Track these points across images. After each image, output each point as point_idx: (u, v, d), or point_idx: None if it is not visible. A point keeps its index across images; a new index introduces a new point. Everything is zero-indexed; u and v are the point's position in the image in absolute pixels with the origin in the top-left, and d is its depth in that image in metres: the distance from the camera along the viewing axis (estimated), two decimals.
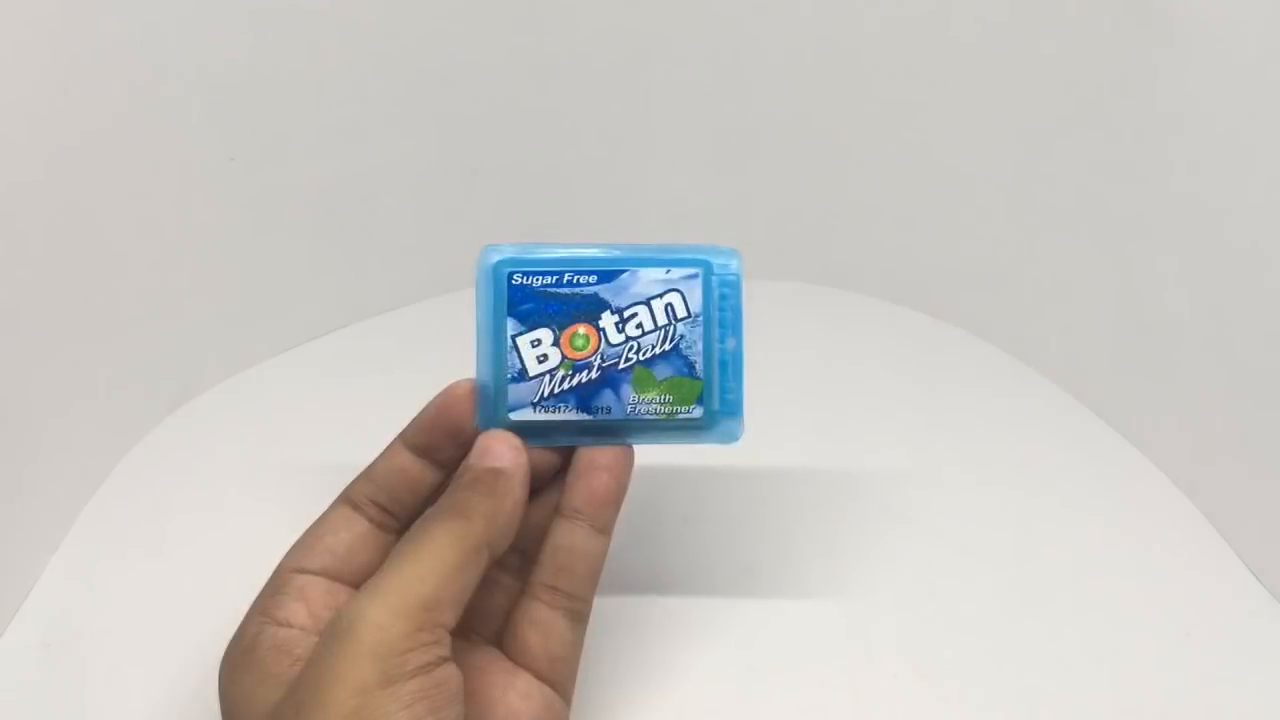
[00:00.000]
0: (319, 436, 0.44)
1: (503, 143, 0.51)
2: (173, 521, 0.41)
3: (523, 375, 0.29)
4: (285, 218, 0.48)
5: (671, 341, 0.29)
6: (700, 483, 0.43)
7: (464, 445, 0.29)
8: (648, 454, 0.30)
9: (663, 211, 0.54)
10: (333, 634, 0.24)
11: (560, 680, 0.29)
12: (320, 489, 0.30)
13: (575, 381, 0.29)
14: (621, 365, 0.29)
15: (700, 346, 0.29)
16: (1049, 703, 0.35)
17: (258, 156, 0.46)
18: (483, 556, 0.27)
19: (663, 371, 0.29)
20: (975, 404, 0.48)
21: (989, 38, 0.47)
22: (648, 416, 0.29)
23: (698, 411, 0.29)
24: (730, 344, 0.30)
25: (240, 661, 0.27)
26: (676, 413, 0.29)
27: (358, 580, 0.28)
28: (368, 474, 0.30)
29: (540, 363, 0.29)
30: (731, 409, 0.30)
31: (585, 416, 0.29)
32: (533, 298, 0.29)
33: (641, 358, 0.29)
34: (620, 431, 0.30)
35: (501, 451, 0.28)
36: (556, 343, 0.29)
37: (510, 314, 0.29)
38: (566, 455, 0.30)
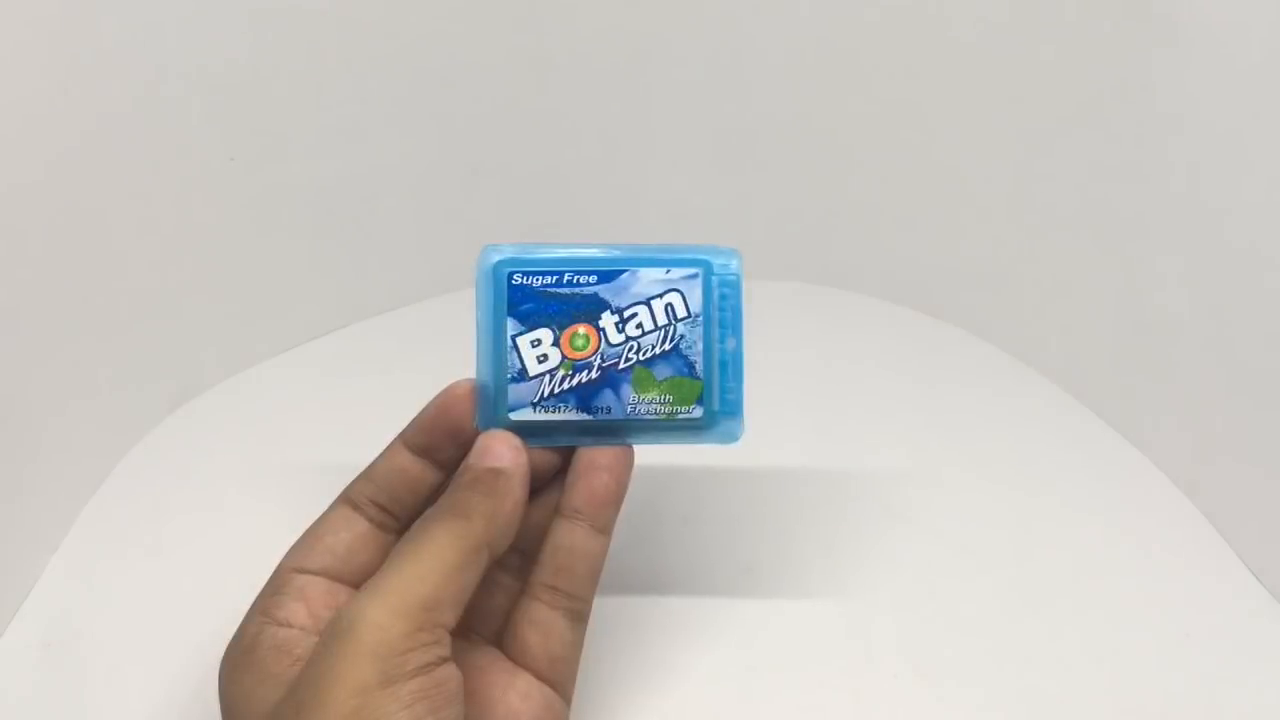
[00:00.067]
0: (319, 436, 0.44)
1: (503, 143, 0.51)
2: (173, 521, 0.41)
3: (523, 375, 0.29)
4: (285, 218, 0.48)
5: (671, 341, 0.29)
6: (700, 483, 0.43)
7: (464, 445, 0.29)
8: (648, 454, 0.30)
9: (663, 211, 0.54)
10: (333, 634, 0.24)
11: (560, 680, 0.29)
12: (320, 489, 0.30)
13: (575, 381, 0.29)
14: (621, 365, 0.29)
15: (700, 346, 0.29)
16: (1049, 703, 0.35)
17: (258, 156, 0.46)
18: (483, 556, 0.27)
19: (663, 371, 0.29)
20: (975, 404, 0.48)
21: (989, 38, 0.47)
22: (648, 416, 0.29)
23: (698, 411, 0.29)
24: (730, 344, 0.30)
25: (240, 661, 0.27)
26: (676, 413, 0.29)
27: (358, 580, 0.28)
28: (368, 474, 0.30)
29: (540, 363, 0.29)
30: (731, 409, 0.30)
31: (585, 416, 0.29)
32: (533, 298, 0.29)
33: (642, 358, 0.29)
34: (620, 431, 0.30)
35: (501, 451, 0.28)
36: (556, 343, 0.29)
37: (510, 314, 0.29)
38: (566, 455, 0.30)
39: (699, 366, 0.29)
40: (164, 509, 0.42)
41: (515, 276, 0.29)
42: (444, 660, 0.25)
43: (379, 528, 0.29)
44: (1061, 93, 0.46)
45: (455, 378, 0.30)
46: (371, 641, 0.24)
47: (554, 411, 0.29)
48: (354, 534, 0.29)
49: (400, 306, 0.53)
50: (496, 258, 0.29)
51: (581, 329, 0.29)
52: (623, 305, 0.29)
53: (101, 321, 0.43)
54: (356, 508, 0.29)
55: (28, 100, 0.38)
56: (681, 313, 0.29)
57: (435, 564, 0.26)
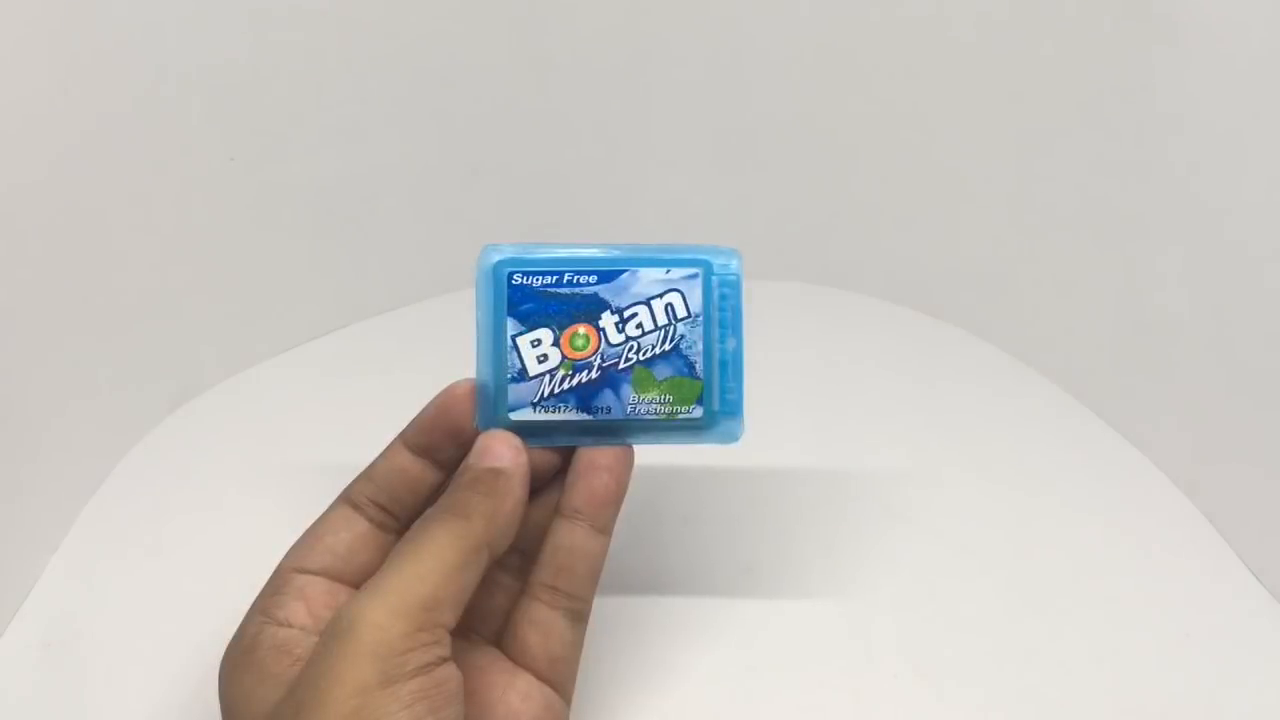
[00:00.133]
0: (319, 436, 0.44)
1: (503, 143, 0.51)
2: (173, 521, 0.41)
3: (523, 375, 0.29)
4: (285, 218, 0.48)
5: (672, 341, 0.29)
6: (700, 483, 0.43)
7: (464, 445, 0.29)
8: (648, 454, 0.30)
9: (663, 211, 0.54)
10: (333, 634, 0.24)
11: (560, 680, 0.29)
12: (320, 489, 0.30)
13: (575, 381, 0.29)
14: (622, 365, 0.29)
15: (700, 346, 0.29)
16: (1049, 703, 0.35)
17: (258, 156, 0.46)
18: (483, 556, 0.27)
19: (663, 371, 0.29)
20: (975, 404, 0.48)
21: (989, 38, 0.47)
22: (648, 416, 0.29)
23: (698, 411, 0.29)
24: (730, 344, 0.30)
25: (240, 661, 0.27)
26: (677, 413, 0.29)
27: (358, 580, 0.28)
28: (368, 474, 0.30)
29: (540, 363, 0.29)
30: (731, 409, 0.30)
31: (585, 416, 0.29)
32: (533, 298, 0.29)
33: (642, 358, 0.29)
34: (620, 431, 0.30)
35: (501, 451, 0.28)
36: (556, 343, 0.29)
37: (510, 314, 0.29)
38: (566, 455, 0.30)
39: (699, 366, 0.29)
40: (164, 509, 0.42)
41: (515, 276, 0.29)
42: (444, 660, 0.25)
43: (379, 528, 0.29)
44: (1061, 92, 0.46)
45: (455, 378, 0.30)
46: (371, 641, 0.24)
47: (554, 411, 0.29)
48: (354, 534, 0.29)
49: (400, 306, 0.53)
50: (496, 258, 0.29)
51: (581, 329, 0.29)
52: (623, 305, 0.29)
53: (101, 321, 0.43)
54: (356, 508, 0.29)
55: (28, 100, 0.38)
56: (681, 313, 0.29)
57: (435, 564, 0.26)
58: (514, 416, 0.29)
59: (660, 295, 0.29)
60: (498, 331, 0.29)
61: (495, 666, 0.29)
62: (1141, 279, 0.45)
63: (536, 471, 0.29)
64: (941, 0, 0.47)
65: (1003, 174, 0.49)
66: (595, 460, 0.29)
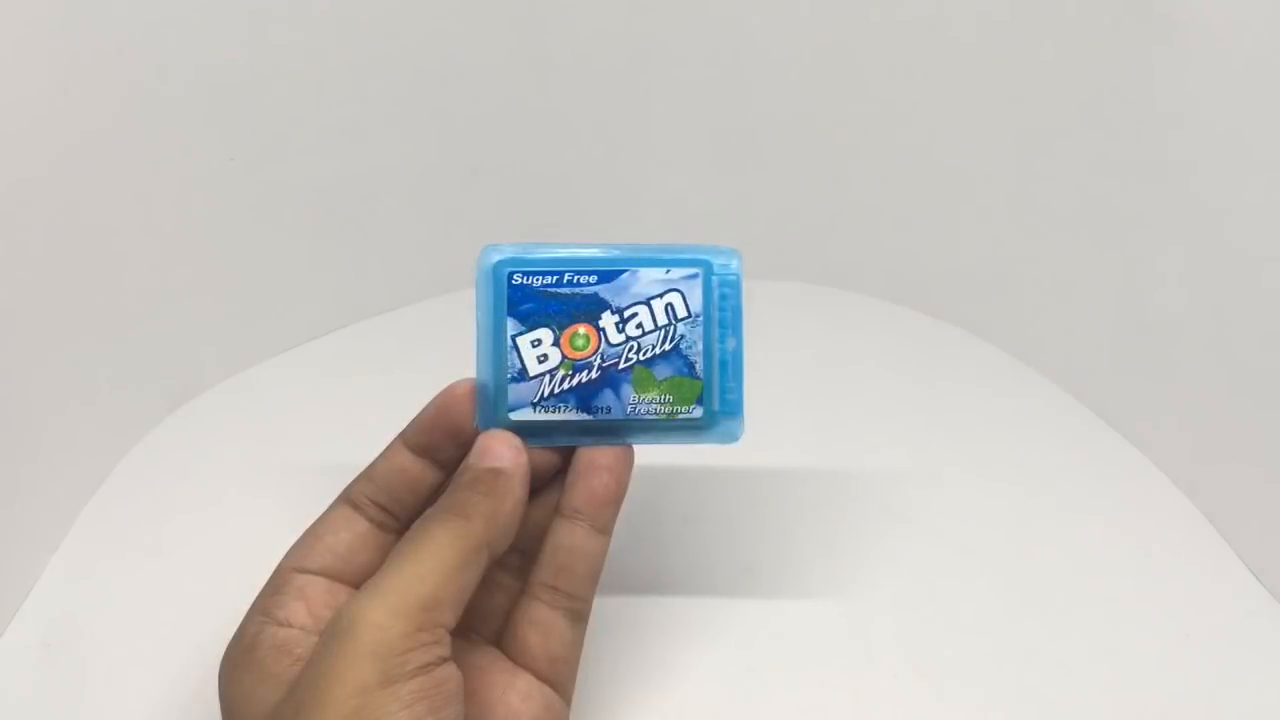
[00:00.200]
0: (319, 436, 0.44)
1: (503, 143, 0.51)
2: (173, 521, 0.41)
3: (523, 375, 0.29)
4: (285, 218, 0.48)
5: (672, 341, 0.29)
6: (700, 483, 0.43)
7: (464, 445, 0.29)
8: (648, 454, 0.30)
9: (663, 211, 0.54)
10: (332, 634, 0.24)
11: (560, 680, 0.29)
12: (320, 489, 0.30)
13: (575, 381, 0.29)
14: (622, 365, 0.29)
15: (700, 346, 0.29)
16: (1049, 703, 0.35)
17: (258, 156, 0.46)
18: (483, 556, 0.27)
19: (663, 371, 0.29)
20: (975, 404, 0.48)
21: (989, 38, 0.47)
22: (648, 416, 0.29)
23: (698, 411, 0.29)
24: (730, 344, 0.30)
25: (240, 661, 0.27)
26: (677, 413, 0.29)
27: (358, 580, 0.28)
28: (368, 474, 0.30)
29: (540, 363, 0.29)
30: (731, 409, 0.30)
31: (585, 416, 0.29)
32: (533, 298, 0.29)
33: (642, 358, 0.29)
34: (620, 431, 0.30)
35: (501, 451, 0.28)
36: (557, 343, 0.29)
37: (510, 314, 0.29)
38: (566, 455, 0.30)
39: (699, 366, 0.29)
40: (164, 509, 0.42)
41: (515, 276, 0.29)
42: (444, 660, 0.25)
43: (379, 528, 0.29)
44: (1061, 92, 0.46)
45: (455, 378, 0.30)
46: (371, 641, 0.24)
47: (554, 411, 0.29)
48: (354, 534, 0.29)
49: (400, 306, 0.53)
50: (496, 258, 0.29)
51: (581, 329, 0.29)
52: (623, 305, 0.29)
53: (101, 321, 0.43)
54: (357, 507, 0.29)
55: (28, 100, 0.38)
56: (681, 313, 0.29)
57: (435, 564, 0.26)
58: (514, 416, 0.29)
59: (660, 295, 0.29)
60: (498, 331, 0.29)
61: (495, 666, 0.29)
62: (1141, 279, 0.45)
63: (536, 471, 0.29)
64: (941, 0, 0.47)
65: (1003, 174, 0.49)
66: (595, 460, 0.29)
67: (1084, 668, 0.36)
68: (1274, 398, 0.39)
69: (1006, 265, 0.51)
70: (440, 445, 0.29)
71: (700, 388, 0.29)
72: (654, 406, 0.29)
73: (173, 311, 0.46)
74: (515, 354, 0.29)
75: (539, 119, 0.51)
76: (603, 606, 0.31)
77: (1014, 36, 0.46)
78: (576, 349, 0.29)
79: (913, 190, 0.52)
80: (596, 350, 0.29)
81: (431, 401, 0.30)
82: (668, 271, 0.29)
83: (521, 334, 0.29)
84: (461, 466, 0.28)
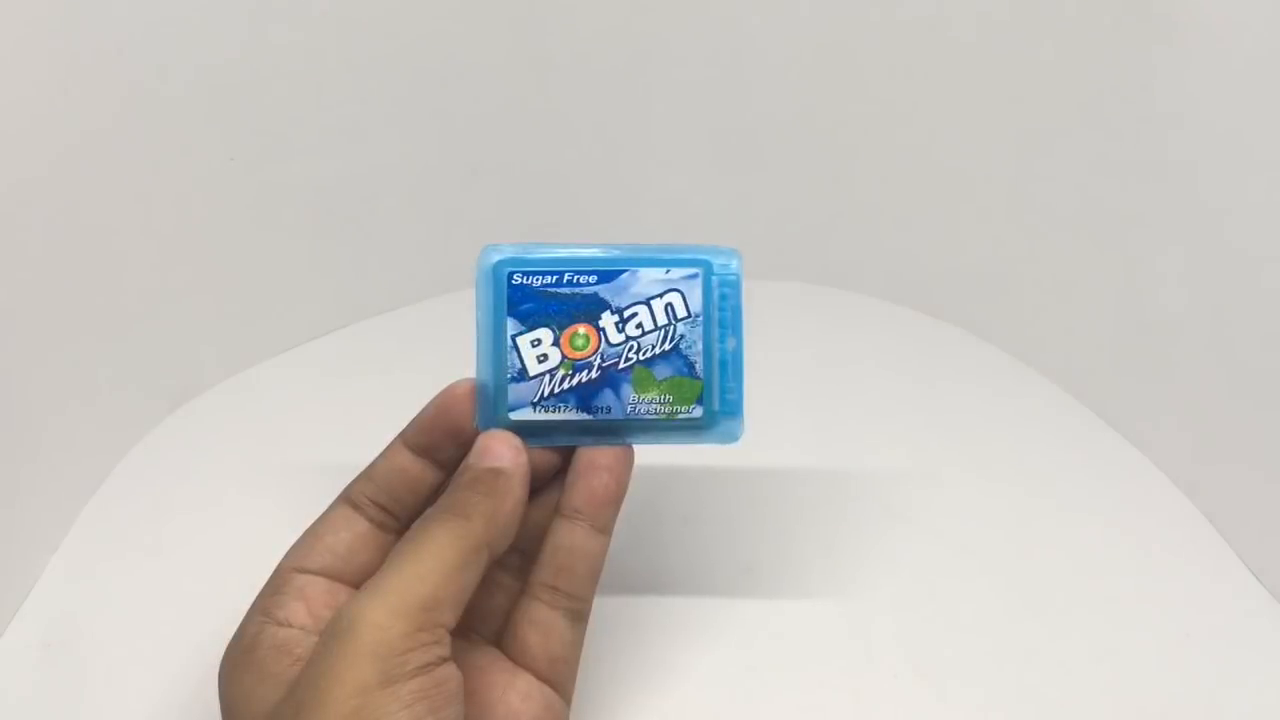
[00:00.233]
0: (319, 436, 0.44)
1: (503, 143, 0.51)
2: (173, 521, 0.41)
3: (523, 375, 0.29)
4: (285, 218, 0.48)
5: (671, 341, 0.29)
6: (700, 483, 0.43)
7: (464, 445, 0.29)
8: (648, 454, 0.30)
9: (663, 211, 0.54)
10: (332, 634, 0.24)
11: (560, 680, 0.29)
12: (320, 489, 0.30)
13: (575, 381, 0.29)
14: (621, 365, 0.29)
15: (700, 346, 0.29)
16: (1049, 703, 0.35)
17: (258, 156, 0.46)
18: (483, 556, 0.27)
19: (663, 371, 0.29)
20: (975, 404, 0.48)
21: (989, 38, 0.47)
22: (648, 416, 0.29)
23: (698, 411, 0.29)
24: (730, 344, 0.30)
25: (240, 661, 0.27)
26: (676, 413, 0.29)
27: (358, 580, 0.28)
28: (368, 474, 0.30)
29: (540, 362, 0.29)
30: (731, 409, 0.30)
31: (585, 416, 0.29)
32: (533, 297, 0.29)
33: (641, 357, 0.29)
34: (620, 431, 0.30)
35: (501, 451, 0.28)
36: (556, 342, 0.29)
37: (510, 314, 0.29)
38: (566, 455, 0.30)
39: (699, 366, 0.29)
40: (164, 509, 0.42)
41: (515, 276, 0.29)
42: (444, 660, 0.25)
43: (379, 527, 0.29)
44: (1061, 92, 0.46)
45: (455, 378, 0.30)
46: (371, 641, 0.24)
47: (554, 411, 0.29)
48: (354, 534, 0.29)
49: (400, 306, 0.53)
50: (496, 258, 0.29)
51: (581, 329, 0.29)
52: (623, 305, 0.29)
53: (101, 321, 0.43)
54: (356, 507, 0.29)
55: (28, 100, 0.38)
56: (681, 312, 0.29)
57: (435, 564, 0.26)
58: (514, 416, 0.29)
59: (660, 295, 0.29)
60: (498, 331, 0.29)
61: (495, 666, 0.29)
62: (1141, 279, 0.45)
63: (536, 471, 0.29)
64: (941, 0, 0.47)
65: (1003, 174, 0.49)
66: (595, 460, 0.29)
67: (1084, 668, 0.36)
68: (1274, 398, 0.39)
69: (1006, 265, 0.51)
70: (440, 445, 0.29)
71: (700, 388, 0.29)
72: (654, 406, 0.29)
73: (173, 311, 0.46)
74: (515, 354, 0.29)
75: (539, 119, 0.51)
76: (603, 606, 0.31)
77: (1014, 36, 0.46)
78: (576, 349, 0.29)
79: (913, 190, 0.52)
80: (596, 350, 0.29)
81: (431, 401, 0.30)
82: (667, 271, 0.29)
83: (521, 334, 0.29)
84: (461, 466, 0.28)
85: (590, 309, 0.29)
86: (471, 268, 0.29)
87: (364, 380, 0.48)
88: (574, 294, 0.29)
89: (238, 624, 0.28)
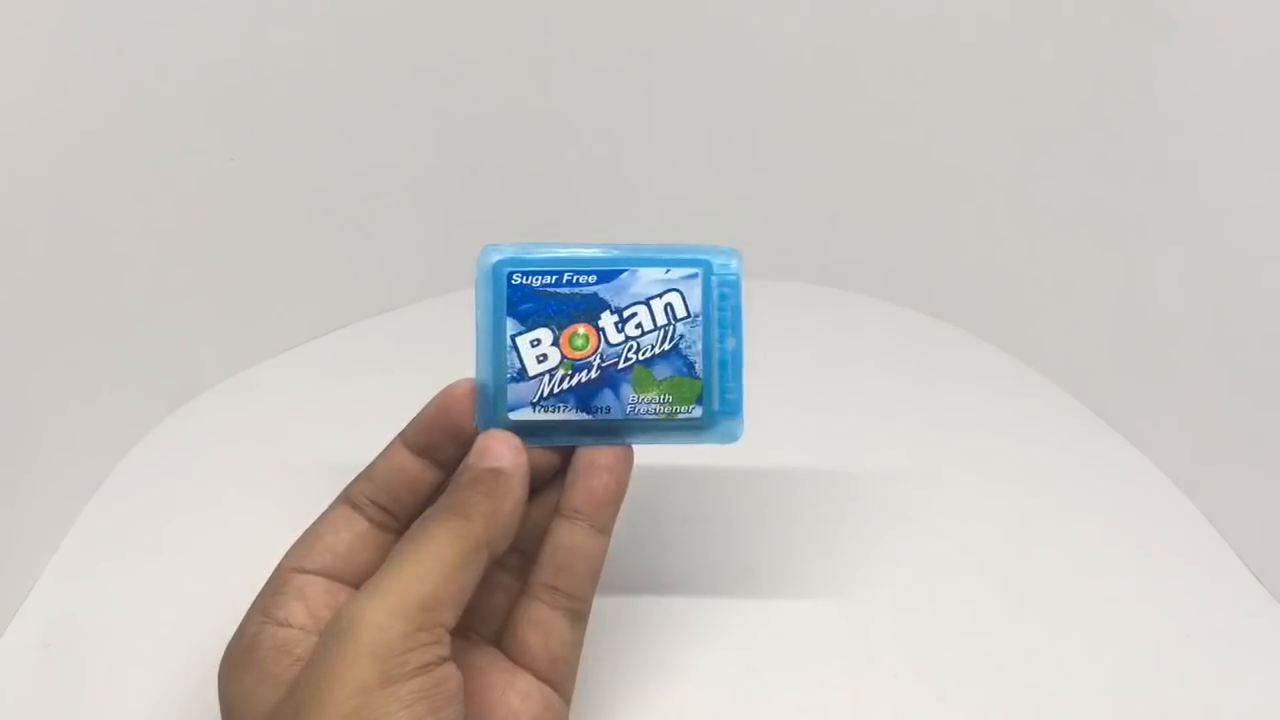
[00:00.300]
0: (319, 436, 0.44)
1: (503, 143, 0.51)
2: (173, 521, 0.41)
3: (522, 375, 0.29)
4: (285, 218, 0.48)
5: (671, 341, 0.29)
6: (700, 483, 0.43)
7: (464, 445, 0.29)
8: (648, 454, 0.30)
9: (663, 211, 0.54)
10: (332, 634, 0.24)
11: (560, 680, 0.29)
12: (320, 489, 0.30)
13: (575, 381, 0.29)
14: (621, 365, 0.29)
15: (700, 346, 0.29)
16: (1049, 703, 0.35)
17: (258, 156, 0.46)
18: (482, 556, 0.27)
19: (662, 371, 0.29)
20: (975, 404, 0.48)
21: (989, 38, 0.47)
22: (648, 416, 0.29)
23: (698, 411, 0.29)
24: (730, 344, 0.30)
25: (240, 661, 0.27)
26: (676, 413, 0.29)
27: (358, 580, 0.28)
28: (368, 474, 0.30)
29: (540, 362, 0.29)
30: (731, 409, 0.30)
31: (585, 416, 0.29)
32: (532, 298, 0.29)
33: (641, 357, 0.29)
34: (620, 431, 0.30)
35: (501, 451, 0.28)
36: (556, 342, 0.29)
37: (510, 314, 0.29)
38: (566, 455, 0.30)
39: (699, 366, 0.29)
40: (164, 509, 0.42)
41: (515, 276, 0.29)
42: (444, 660, 0.25)
43: (379, 527, 0.29)
44: (1061, 92, 0.46)
45: (455, 378, 0.30)
46: (371, 641, 0.24)
47: (554, 411, 0.29)
48: (354, 534, 0.29)
49: (400, 306, 0.53)
50: (496, 258, 0.29)
51: (581, 329, 0.29)
52: (622, 305, 0.29)
53: (101, 321, 0.43)
54: (356, 507, 0.29)
55: (28, 100, 0.38)
56: (681, 312, 0.29)
57: (435, 564, 0.26)
58: (513, 416, 0.29)
59: (660, 295, 0.29)
60: (497, 331, 0.29)
61: (495, 666, 0.29)
62: (1141, 279, 0.45)
63: (536, 471, 0.29)
64: (941, 0, 0.47)
65: (1003, 174, 0.49)
66: (595, 460, 0.29)
67: (1084, 668, 0.36)
68: (1274, 398, 0.39)
69: (1006, 265, 0.51)
70: (440, 445, 0.29)
71: (700, 387, 0.29)
72: (653, 406, 0.29)
73: (173, 311, 0.46)
74: (515, 354, 0.29)
75: (539, 119, 0.51)
76: (603, 606, 0.31)
77: (1014, 36, 0.46)
78: (576, 349, 0.29)
79: (913, 190, 0.52)
80: (596, 350, 0.29)
81: (431, 401, 0.30)
82: (667, 271, 0.29)
83: (521, 334, 0.29)
84: (461, 466, 0.28)
85: (590, 309, 0.29)
86: (471, 268, 0.29)
87: (364, 380, 0.48)
88: (573, 294, 0.29)
89: (238, 624, 0.28)
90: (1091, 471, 0.44)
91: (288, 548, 0.29)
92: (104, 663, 0.36)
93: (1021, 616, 0.38)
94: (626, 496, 0.30)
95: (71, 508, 0.41)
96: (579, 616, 0.30)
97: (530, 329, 0.29)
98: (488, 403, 0.29)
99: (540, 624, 0.29)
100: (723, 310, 0.30)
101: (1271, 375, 0.39)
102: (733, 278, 0.30)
